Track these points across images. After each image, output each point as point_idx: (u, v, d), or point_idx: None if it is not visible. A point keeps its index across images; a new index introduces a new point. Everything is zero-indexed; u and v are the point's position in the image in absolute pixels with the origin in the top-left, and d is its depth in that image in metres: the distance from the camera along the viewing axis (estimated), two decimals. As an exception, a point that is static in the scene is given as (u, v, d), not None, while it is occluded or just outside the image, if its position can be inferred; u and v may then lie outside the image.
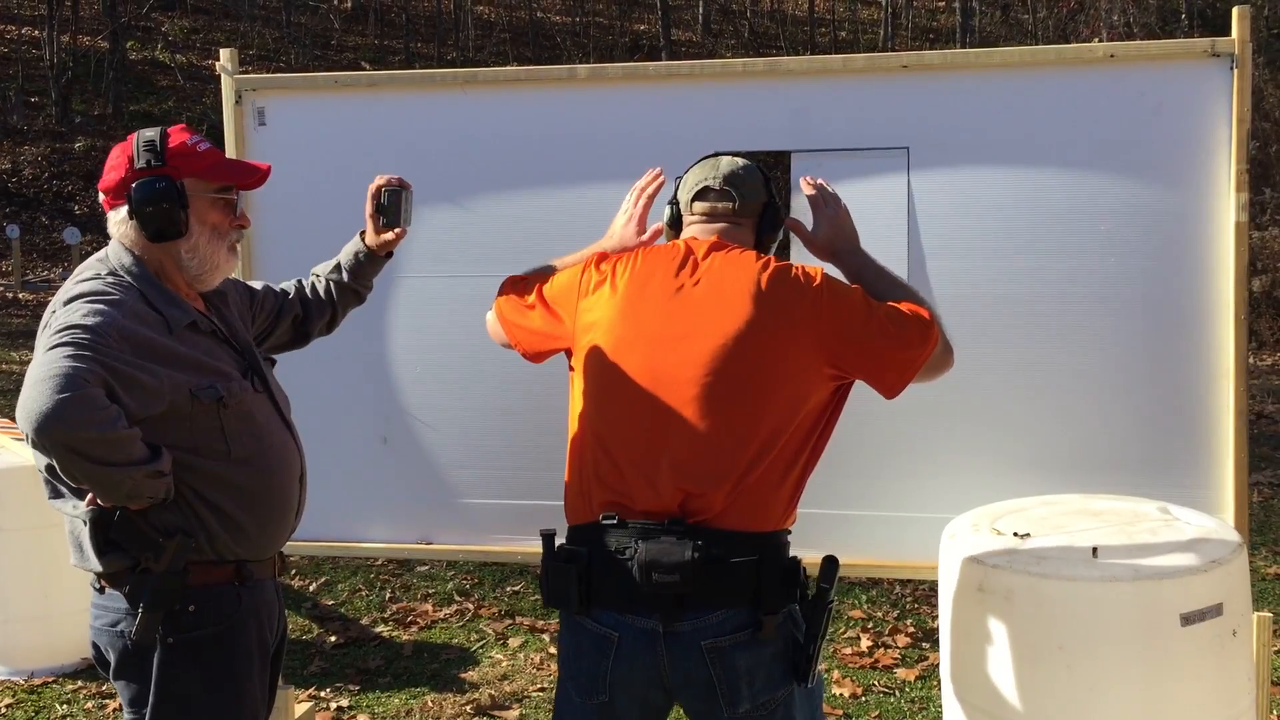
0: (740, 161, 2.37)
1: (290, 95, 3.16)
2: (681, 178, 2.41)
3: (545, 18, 28.92)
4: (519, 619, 4.74)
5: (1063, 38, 17.48)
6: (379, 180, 2.53)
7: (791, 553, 2.19)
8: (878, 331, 2.18)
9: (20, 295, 15.47)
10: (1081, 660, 2.26)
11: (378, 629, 4.70)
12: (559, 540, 2.21)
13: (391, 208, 2.52)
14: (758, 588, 2.08)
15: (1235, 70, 2.78)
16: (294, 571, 5.30)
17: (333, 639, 4.60)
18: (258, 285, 2.57)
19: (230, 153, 3.15)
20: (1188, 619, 2.22)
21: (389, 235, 2.58)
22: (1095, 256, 2.87)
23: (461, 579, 5.19)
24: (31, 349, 2.10)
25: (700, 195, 2.34)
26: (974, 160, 2.92)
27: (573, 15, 28.97)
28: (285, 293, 2.61)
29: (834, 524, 2.96)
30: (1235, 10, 2.81)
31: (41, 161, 19.53)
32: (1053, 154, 2.88)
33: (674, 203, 2.40)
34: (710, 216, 2.33)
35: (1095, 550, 2.33)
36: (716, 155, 2.39)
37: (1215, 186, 2.82)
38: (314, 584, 5.18)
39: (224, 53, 3.17)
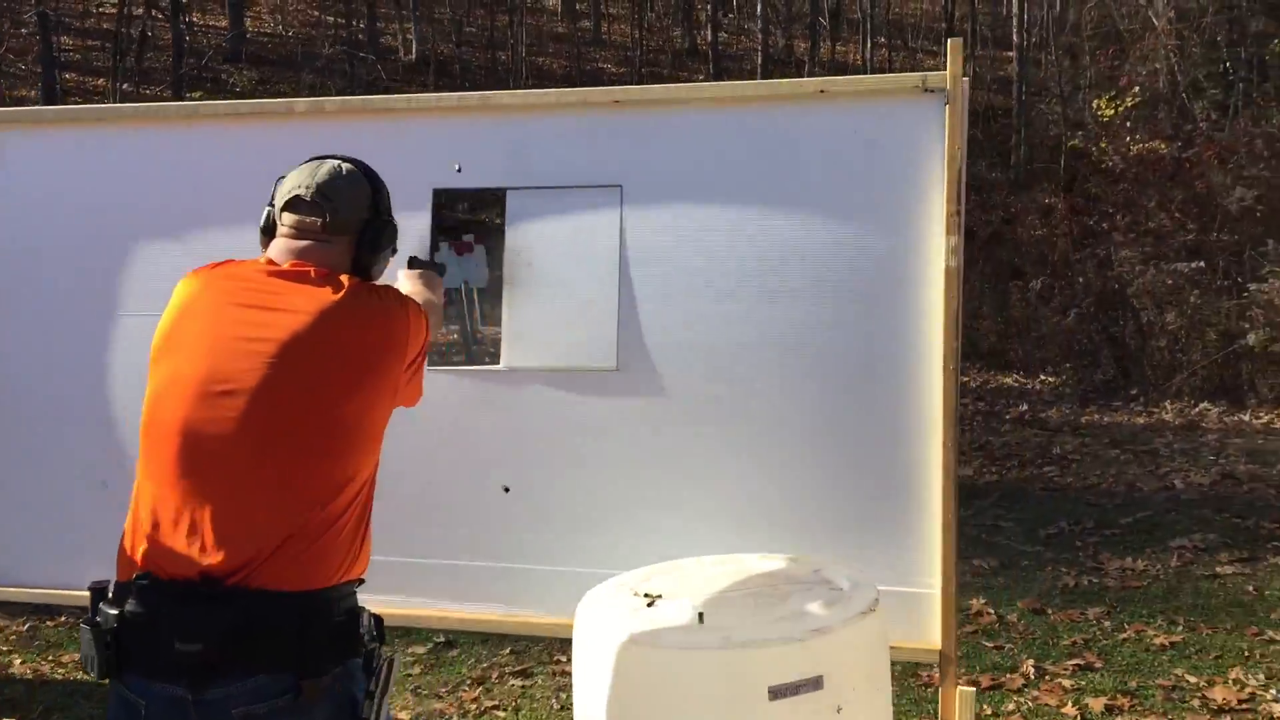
0: (346, 167, 2.17)
1: (25, 130, 3.14)
2: (282, 178, 2.20)
3: (601, 69, 29.18)
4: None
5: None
6: None
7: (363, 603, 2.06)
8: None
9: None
10: (672, 732, 2.09)
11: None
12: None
13: None
14: (301, 651, 1.92)
15: (947, 106, 2.61)
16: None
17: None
18: None
19: None
20: (776, 692, 2.03)
21: None
22: (806, 300, 2.70)
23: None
24: None
25: (291, 205, 2.14)
26: (685, 198, 2.77)
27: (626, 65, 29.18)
28: None
29: (499, 576, 2.83)
30: (949, 42, 2.65)
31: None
32: (765, 193, 2.73)
33: (271, 205, 2.19)
34: (297, 232, 2.13)
35: (701, 616, 2.16)
36: (322, 158, 2.19)
37: (931, 229, 2.64)
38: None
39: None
